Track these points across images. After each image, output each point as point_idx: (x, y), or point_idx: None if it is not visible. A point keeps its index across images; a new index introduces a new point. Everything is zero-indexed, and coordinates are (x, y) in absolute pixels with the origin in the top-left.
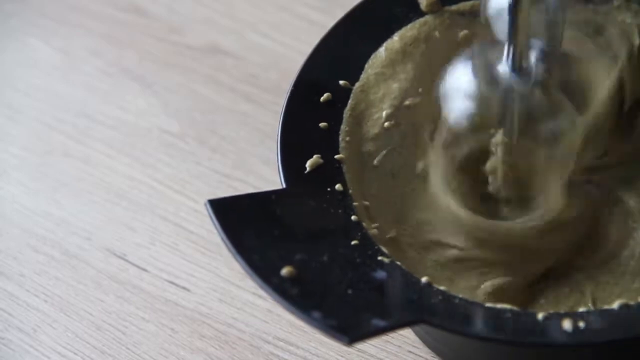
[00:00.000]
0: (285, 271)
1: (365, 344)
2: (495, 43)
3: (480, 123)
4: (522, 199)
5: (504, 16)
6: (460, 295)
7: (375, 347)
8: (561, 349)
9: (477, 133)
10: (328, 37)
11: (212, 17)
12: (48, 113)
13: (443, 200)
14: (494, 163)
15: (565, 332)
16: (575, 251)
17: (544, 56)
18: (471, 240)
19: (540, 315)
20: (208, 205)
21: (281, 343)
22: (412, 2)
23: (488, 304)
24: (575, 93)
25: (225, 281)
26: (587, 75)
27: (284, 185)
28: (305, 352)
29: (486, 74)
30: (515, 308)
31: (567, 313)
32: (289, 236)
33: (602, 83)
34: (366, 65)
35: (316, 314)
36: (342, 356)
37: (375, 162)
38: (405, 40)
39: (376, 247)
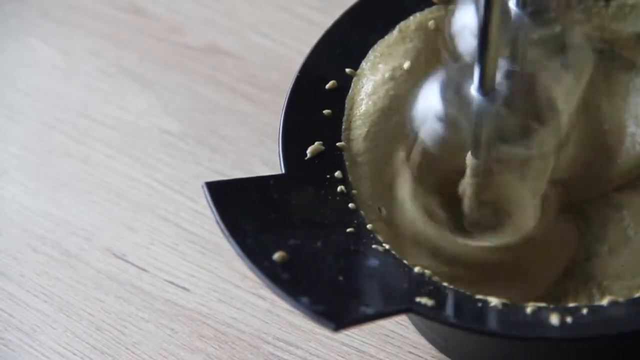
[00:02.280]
0: (277, 256)
1: (365, 344)
2: (462, 63)
3: (451, 144)
4: (494, 219)
5: (467, 34)
6: (452, 286)
7: (375, 347)
8: (548, 342)
9: (449, 154)
10: (337, 25)
11: (212, 17)
12: (48, 113)
13: (410, 215)
14: (464, 184)
15: (552, 326)
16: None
17: (510, 76)
18: (438, 257)
19: (529, 309)
20: (205, 187)
21: (281, 343)
22: None
23: (478, 296)
24: (543, 112)
25: (225, 281)
26: (552, 93)
27: (284, 171)
28: (305, 352)
29: (454, 95)
30: (505, 301)
31: (556, 307)
32: (284, 221)
33: (568, 101)
34: (370, 51)
35: (304, 300)
36: (342, 356)
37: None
38: (408, 29)
39: (371, 236)
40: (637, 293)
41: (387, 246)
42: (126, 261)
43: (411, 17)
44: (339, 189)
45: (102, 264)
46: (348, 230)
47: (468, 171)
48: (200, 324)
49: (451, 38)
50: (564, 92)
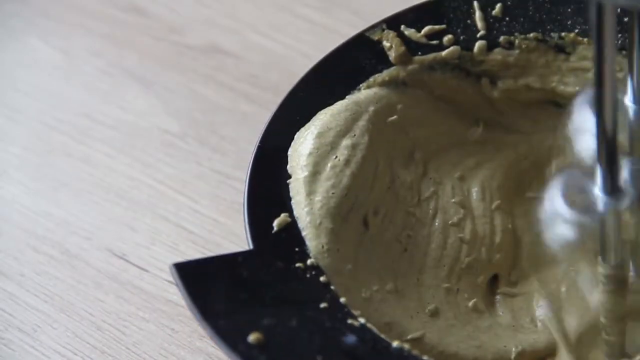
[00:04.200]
0: (252, 337)
1: None
2: (583, 167)
3: (579, 249)
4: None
5: (586, 135)
6: None
7: None
8: None
9: (578, 258)
10: (296, 90)
11: (213, 17)
12: (48, 113)
13: None
14: (600, 295)
15: None
16: None
17: (636, 175)
18: None
19: None
20: (173, 270)
21: None
22: (381, 52)
23: None
24: None
25: None
26: None
27: (251, 246)
28: None
29: (580, 201)
30: None
31: None
32: (256, 300)
33: None
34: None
35: None
36: None
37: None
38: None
39: (346, 310)
40: None
41: (362, 320)
42: (127, 261)
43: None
44: (309, 261)
45: (103, 263)
46: (322, 305)
47: (601, 278)
48: None
49: (569, 140)
50: None
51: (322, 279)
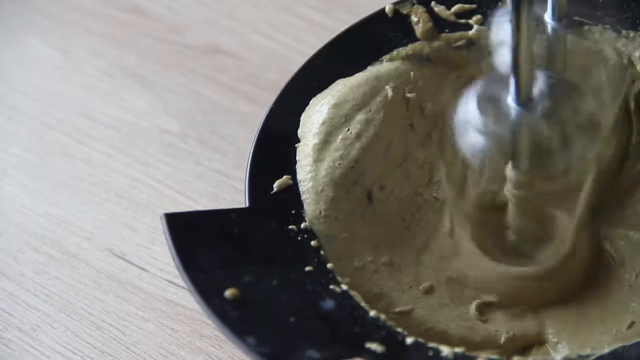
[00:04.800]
0: (229, 293)
1: None
2: (500, 76)
3: (492, 157)
4: (531, 241)
5: (505, 46)
6: (405, 332)
7: None
8: None
9: (491, 169)
10: (316, 57)
11: (213, 17)
12: (48, 113)
13: (460, 242)
14: (505, 198)
15: None
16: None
17: (550, 87)
18: (477, 285)
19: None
20: (163, 219)
21: None
22: (408, 27)
23: (431, 344)
24: (582, 122)
25: None
26: (592, 105)
27: (247, 204)
28: None
29: (493, 109)
30: (458, 350)
31: None
32: (241, 257)
33: (607, 113)
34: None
35: (251, 340)
36: None
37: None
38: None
39: (330, 275)
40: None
41: (345, 287)
42: (126, 261)
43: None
44: (303, 225)
45: (103, 263)
46: (307, 269)
47: (509, 183)
48: (201, 323)
49: (489, 52)
50: (602, 104)
51: (313, 243)
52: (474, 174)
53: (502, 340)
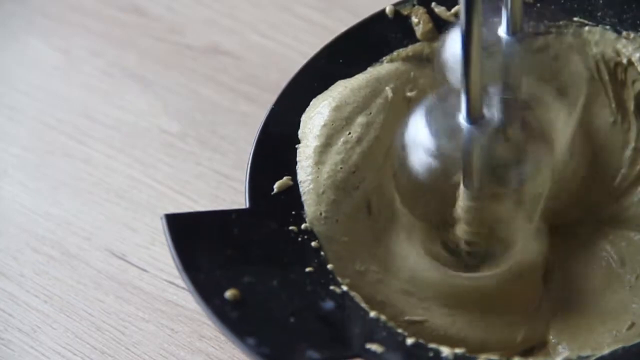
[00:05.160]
0: (229, 293)
1: None
2: (451, 92)
3: (443, 175)
4: (489, 250)
5: (458, 64)
6: (406, 333)
7: None
8: None
9: (440, 185)
10: (317, 57)
11: (213, 17)
12: (48, 113)
13: (406, 252)
14: (459, 212)
15: None
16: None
17: (503, 104)
18: (437, 295)
19: None
20: (163, 220)
21: None
22: (409, 28)
23: (431, 345)
24: (537, 140)
25: None
26: (547, 121)
27: (247, 205)
28: None
29: (444, 126)
30: (458, 351)
31: None
32: (241, 257)
33: (563, 129)
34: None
35: (251, 340)
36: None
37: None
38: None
39: (330, 276)
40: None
41: (345, 288)
42: (126, 261)
43: (385, 64)
44: (303, 226)
45: (103, 264)
46: (307, 269)
47: (461, 201)
48: (201, 324)
49: (440, 68)
50: (559, 118)
51: (313, 244)
52: (423, 192)
53: (518, 339)
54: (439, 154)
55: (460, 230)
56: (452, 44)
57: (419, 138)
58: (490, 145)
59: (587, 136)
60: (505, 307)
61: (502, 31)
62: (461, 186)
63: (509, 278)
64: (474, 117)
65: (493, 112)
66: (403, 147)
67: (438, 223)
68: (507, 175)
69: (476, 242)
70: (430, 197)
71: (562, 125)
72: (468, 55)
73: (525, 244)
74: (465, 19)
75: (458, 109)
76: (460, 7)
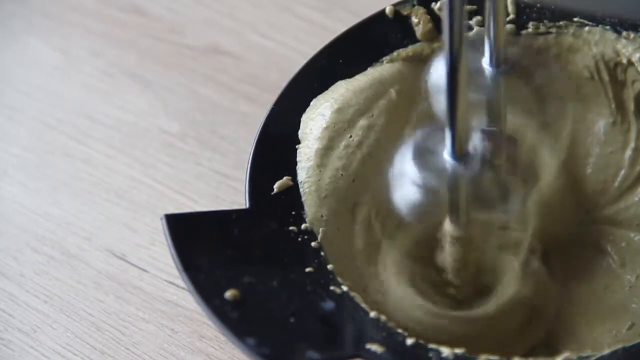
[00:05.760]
0: (229, 294)
1: None
2: (437, 128)
3: (427, 211)
4: (477, 284)
5: (442, 93)
6: (406, 334)
7: None
8: None
9: (426, 221)
10: (318, 57)
11: (213, 17)
12: (48, 113)
13: (395, 288)
14: (444, 252)
15: None
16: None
17: (488, 138)
18: (426, 328)
19: None
20: (163, 220)
21: None
22: (409, 28)
23: (431, 345)
24: (523, 173)
25: None
26: (533, 155)
27: (248, 205)
28: None
29: (429, 162)
30: (458, 351)
31: None
32: (241, 257)
33: (548, 163)
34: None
35: (251, 340)
36: None
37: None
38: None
39: (331, 276)
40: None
41: (345, 288)
42: (126, 261)
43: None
44: (303, 226)
45: (103, 264)
46: (307, 269)
47: (447, 237)
48: (201, 324)
49: (427, 98)
50: (545, 149)
51: (313, 244)
52: (409, 225)
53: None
54: (424, 188)
55: (447, 264)
56: (437, 76)
57: (406, 171)
58: (475, 181)
59: (574, 157)
60: (496, 343)
61: (485, 63)
62: (446, 223)
63: (497, 316)
64: (459, 152)
65: (477, 146)
66: (393, 181)
67: (425, 255)
68: (493, 209)
69: (463, 276)
70: (416, 231)
71: (548, 156)
72: (453, 89)
73: (514, 278)
74: (448, 46)
75: (442, 145)
76: (443, 35)
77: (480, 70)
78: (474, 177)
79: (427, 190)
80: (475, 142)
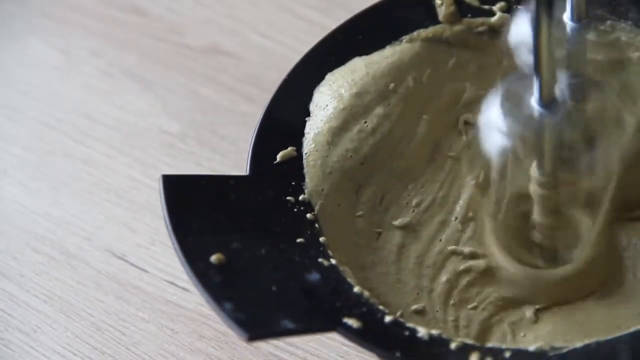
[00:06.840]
0: (214, 257)
1: None
2: (523, 76)
3: (518, 160)
4: (558, 244)
5: (526, 47)
6: (386, 310)
7: None
8: None
9: (517, 170)
10: (336, 32)
11: (213, 17)
12: (48, 113)
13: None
14: (532, 199)
15: None
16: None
17: (573, 87)
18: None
19: (453, 344)
20: (161, 180)
21: (281, 343)
22: (431, 9)
23: (409, 324)
24: (607, 123)
25: None
26: (616, 104)
27: (248, 172)
28: (305, 352)
29: (517, 110)
30: (434, 332)
31: (480, 347)
32: (233, 223)
33: (630, 117)
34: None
35: (228, 305)
36: (341, 357)
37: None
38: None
39: (321, 249)
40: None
41: (334, 261)
42: (126, 261)
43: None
44: (301, 197)
45: (103, 264)
46: (298, 240)
47: (533, 183)
48: (201, 324)
49: (510, 52)
50: (627, 101)
51: (309, 215)
52: (498, 175)
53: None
54: (512, 135)
55: (535, 217)
56: (521, 27)
57: (494, 120)
58: (563, 129)
59: None
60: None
61: (566, 17)
62: (532, 169)
63: (567, 278)
64: (546, 100)
65: (564, 94)
66: (478, 130)
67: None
68: (578, 159)
69: (549, 234)
70: (503, 180)
71: (627, 114)
72: (539, 39)
73: (591, 237)
74: (535, 7)
75: (530, 92)
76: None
77: (562, 24)
78: (561, 124)
79: (515, 137)
80: (562, 91)
